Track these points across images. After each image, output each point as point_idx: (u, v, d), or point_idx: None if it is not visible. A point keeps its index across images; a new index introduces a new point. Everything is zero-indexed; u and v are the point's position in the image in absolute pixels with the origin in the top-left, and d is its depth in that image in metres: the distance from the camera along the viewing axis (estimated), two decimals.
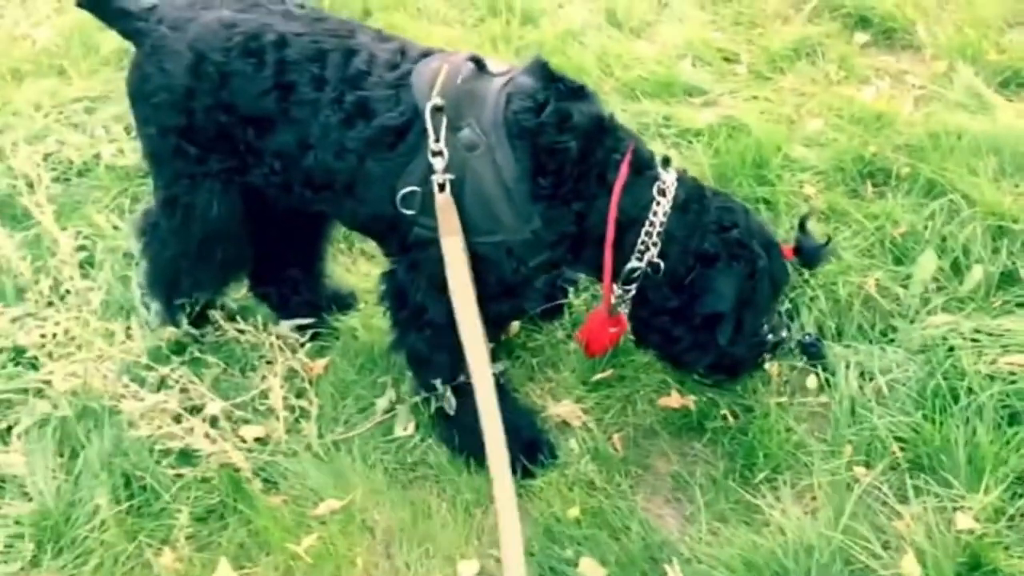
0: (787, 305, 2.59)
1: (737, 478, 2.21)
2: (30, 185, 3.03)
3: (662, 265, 2.05)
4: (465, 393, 2.21)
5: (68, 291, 2.71)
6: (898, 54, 3.75)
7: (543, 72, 2.07)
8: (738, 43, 3.86)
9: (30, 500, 2.24)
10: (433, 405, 2.27)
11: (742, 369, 2.26)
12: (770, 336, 2.20)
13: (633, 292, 2.11)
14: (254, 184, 2.26)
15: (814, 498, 2.14)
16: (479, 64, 2.08)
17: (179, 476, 2.26)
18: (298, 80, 2.10)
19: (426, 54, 2.14)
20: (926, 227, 2.74)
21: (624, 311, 2.19)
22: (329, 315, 2.69)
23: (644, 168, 2.07)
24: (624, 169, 2.03)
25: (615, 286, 2.11)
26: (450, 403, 2.24)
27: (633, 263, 2.06)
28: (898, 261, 2.69)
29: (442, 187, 1.97)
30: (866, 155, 3.05)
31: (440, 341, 2.16)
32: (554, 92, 2.03)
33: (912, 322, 2.51)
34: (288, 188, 2.23)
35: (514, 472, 2.20)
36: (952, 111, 3.26)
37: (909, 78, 3.55)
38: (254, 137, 2.17)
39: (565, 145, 1.99)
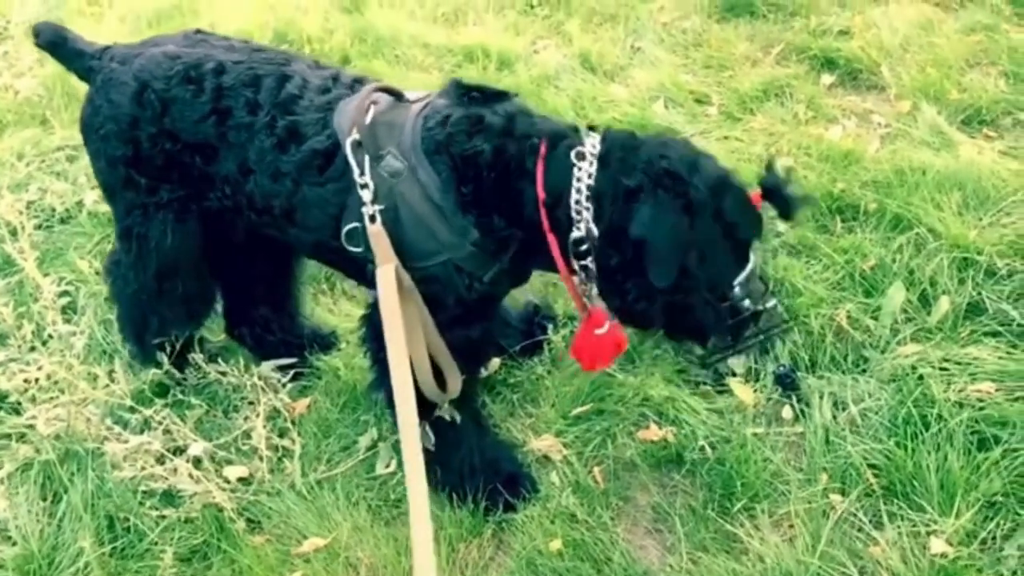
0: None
1: (716, 508, 2.24)
2: (13, 232, 3.06)
3: (596, 228, 1.95)
4: (445, 430, 2.25)
5: (51, 336, 2.73)
6: (864, 94, 3.86)
7: (457, 89, 2.08)
8: (709, 85, 3.96)
9: (13, 544, 2.24)
10: None
11: (708, 331, 2.05)
12: (747, 302, 2.00)
13: (591, 267, 2.00)
14: (212, 208, 2.29)
15: (791, 526, 2.17)
16: (397, 95, 2.12)
17: (163, 517, 2.27)
18: (233, 105, 2.14)
19: (359, 80, 2.17)
20: (894, 260, 2.81)
21: (597, 302, 2.10)
22: (311, 355, 2.72)
23: (559, 141, 2.00)
24: (542, 150, 1.98)
25: (575, 278, 2.05)
26: (429, 439, 2.26)
27: (574, 234, 1.97)
28: (868, 293, 2.75)
29: (373, 218, 1.98)
30: (835, 191, 3.13)
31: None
32: (465, 103, 2.04)
33: (883, 352, 2.56)
34: (240, 212, 2.26)
35: (496, 506, 2.26)
36: (916, 148, 3.36)
37: (875, 117, 3.65)
38: (202, 164, 2.21)
39: (477, 148, 1.98)
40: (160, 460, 2.31)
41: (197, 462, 2.34)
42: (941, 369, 2.45)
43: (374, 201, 1.98)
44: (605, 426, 2.46)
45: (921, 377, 2.43)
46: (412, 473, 1.77)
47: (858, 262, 2.82)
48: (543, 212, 1.97)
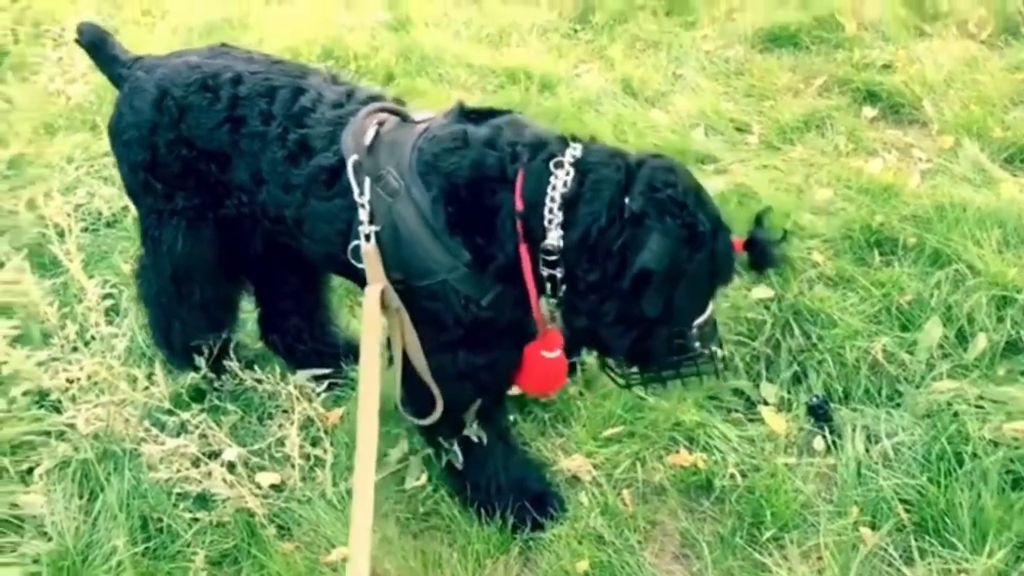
0: (794, 367, 2.64)
1: (744, 536, 2.23)
2: (60, 234, 3.12)
3: (563, 236, 1.89)
4: (472, 448, 2.26)
5: (93, 337, 2.78)
6: (905, 128, 3.85)
7: (458, 111, 2.08)
8: (750, 114, 3.97)
9: (49, 540, 2.28)
10: (443, 458, 2.30)
11: (654, 362, 2.03)
12: (697, 344, 1.98)
13: (558, 277, 1.93)
14: (230, 215, 2.32)
15: (820, 558, 2.16)
16: (402, 115, 2.14)
17: (195, 519, 2.30)
18: (248, 114, 2.17)
19: (374, 98, 2.19)
20: (932, 295, 2.80)
21: (557, 323, 2.04)
22: (346, 366, 2.75)
23: (541, 150, 1.94)
24: (524, 159, 1.94)
25: (542, 300, 1.98)
26: (457, 457, 2.27)
27: (545, 243, 1.90)
28: (904, 328, 2.74)
29: (368, 237, 1.99)
30: (873, 224, 3.12)
31: (449, 396, 2.16)
32: (460, 120, 2.04)
33: (918, 387, 2.55)
34: (257, 220, 2.30)
35: (524, 524, 2.27)
36: (957, 184, 3.35)
37: (916, 152, 3.65)
38: (217, 171, 2.25)
39: (457, 164, 1.97)
40: (195, 463, 2.33)
41: (231, 467, 2.36)
42: (976, 407, 2.44)
43: (372, 221, 2.00)
44: (635, 449, 2.46)
45: (956, 414, 2.42)
46: (360, 489, 1.80)
47: (895, 296, 2.81)
48: (519, 223, 1.92)
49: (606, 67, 4.48)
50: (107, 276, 3.09)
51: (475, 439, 2.23)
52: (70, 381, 2.56)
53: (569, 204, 1.88)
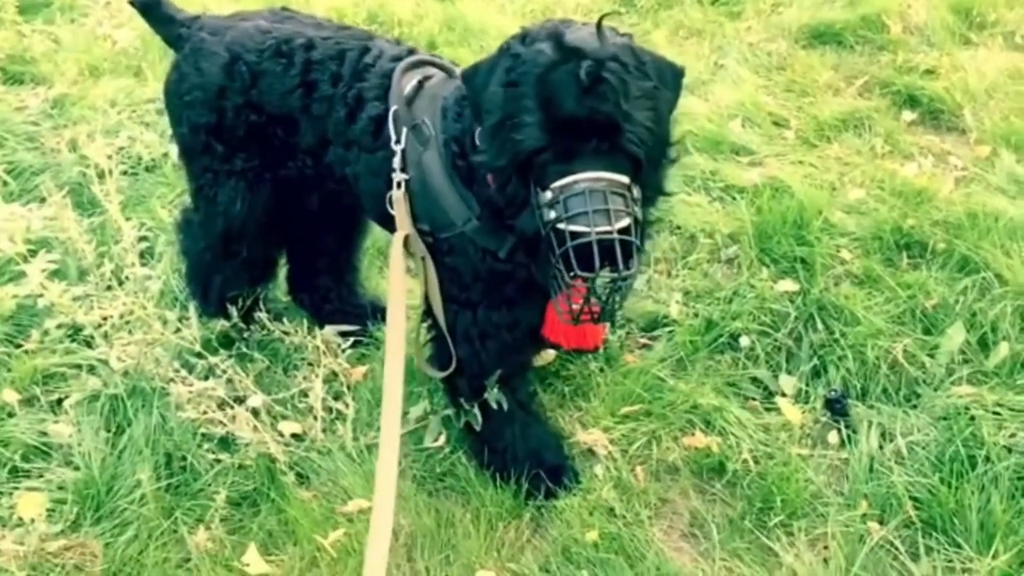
0: (814, 361, 2.66)
1: (753, 520, 2.27)
2: (100, 175, 3.17)
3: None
4: (491, 414, 2.30)
5: (127, 277, 2.82)
6: (943, 135, 3.83)
7: None
8: (788, 109, 3.96)
9: (76, 469, 2.35)
10: (462, 419, 2.34)
11: (512, 221, 1.88)
12: (551, 212, 1.72)
13: None
14: (290, 176, 2.36)
15: (826, 547, 2.19)
16: (448, 70, 2.18)
17: (218, 461, 2.36)
18: (319, 79, 2.21)
19: (433, 56, 2.26)
20: (957, 301, 2.81)
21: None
22: (373, 325, 2.79)
23: None
24: None
25: None
26: (476, 419, 2.31)
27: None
28: (927, 331, 2.75)
29: (399, 184, 2.04)
30: (904, 227, 3.13)
31: (470, 356, 2.22)
32: None
33: (936, 390, 2.57)
34: (322, 181, 2.34)
35: (537, 492, 2.31)
36: (991, 194, 3.34)
37: (952, 159, 3.63)
38: (284, 135, 2.29)
39: (447, 103, 2.04)
40: (221, 407, 2.38)
41: (255, 413, 2.41)
42: (994, 413, 2.45)
43: (403, 169, 2.04)
44: (652, 428, 2.49)
45: (973, 418, 2.43)
46: (386, 436, 1.86)
47: (921, 299, 2.82)
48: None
49: None
50: (144, 219, 3.15)
51: (494, 405, 2.26)
52: (104, 318, 2.62)
53: None
